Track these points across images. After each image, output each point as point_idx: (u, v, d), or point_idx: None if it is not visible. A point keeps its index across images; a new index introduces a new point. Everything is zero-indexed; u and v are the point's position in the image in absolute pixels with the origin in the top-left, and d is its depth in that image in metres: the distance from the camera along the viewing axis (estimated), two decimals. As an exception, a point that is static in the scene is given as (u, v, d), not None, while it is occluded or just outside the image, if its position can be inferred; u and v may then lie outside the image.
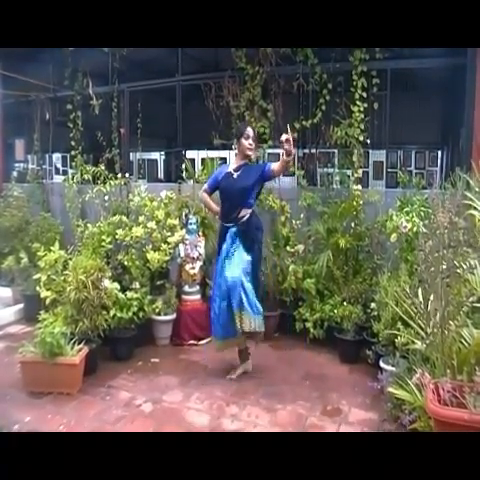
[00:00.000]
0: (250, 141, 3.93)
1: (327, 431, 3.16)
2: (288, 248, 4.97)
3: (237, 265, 3.81)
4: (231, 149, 6.84)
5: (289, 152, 3.58)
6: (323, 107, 5.28)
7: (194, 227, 4.92)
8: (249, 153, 3.98)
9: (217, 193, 4.13)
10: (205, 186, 4.20)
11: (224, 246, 3.93)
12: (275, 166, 3.86)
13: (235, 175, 3.96)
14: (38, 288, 4.28)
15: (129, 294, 4.50)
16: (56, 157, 9.03)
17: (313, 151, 5.66)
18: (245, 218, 3.90)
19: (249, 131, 3.95)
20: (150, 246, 4.79)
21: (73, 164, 7.05)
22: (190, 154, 9.30)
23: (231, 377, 3.98)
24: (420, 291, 2.98)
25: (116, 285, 4.40)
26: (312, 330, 4.64)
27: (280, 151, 6.66)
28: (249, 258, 3.87)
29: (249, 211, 3.93)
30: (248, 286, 3.79)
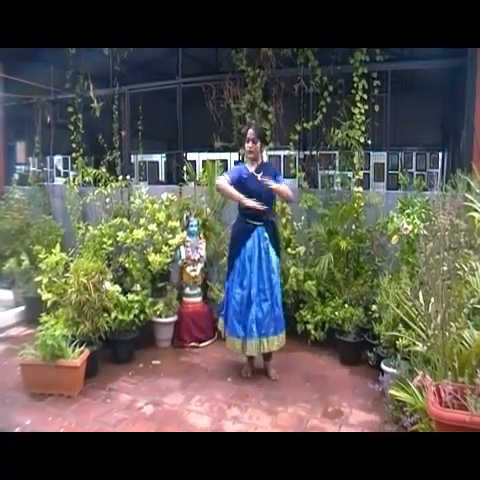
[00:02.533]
0: (249, 144, 3.92)
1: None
2: (289, 250, 4.97)
3: (272, 270, 3.95)
4: (231, 151, 6.89)
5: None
6: (324, 109, 5.28)
7: (195, 229, 4.92)
8: (249, 156, 3.99)
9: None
10: (226, 177, 3.96)
11: (248, 244, 3.92)
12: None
13: (259, 177, 3.92)
14: (39, 290, 4.28)
15: (130, 296, 4.50)
16: (57, 159, 9.06)
17: (314, 153, 5.65)
18: (271, 218, 4.03)
19: (248, 133, 3.95)
20: (151, 248, 4.79)
21: (74, 166, 7.06)
22: (191, 156, 9.32)
23: (275, 378, 4.03)
24: (421, 293, 2.97)
25: (117, 287, 4.40)
26: (313, 332, 4.63)
27: (280, 153, 6.70)
28: (278, 265, 4.06)
29: (273, 211, 4.04)
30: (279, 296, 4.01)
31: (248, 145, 3.93)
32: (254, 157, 4.00)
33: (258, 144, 3.95)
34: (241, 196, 3.84)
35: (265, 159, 4.32)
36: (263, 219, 3.93)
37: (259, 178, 3.90)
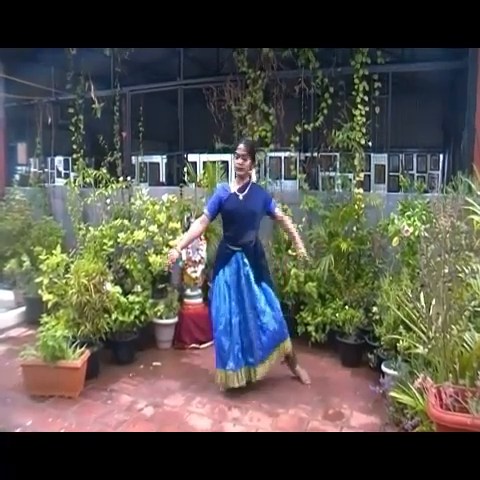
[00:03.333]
0: (239, 160, 3.71)
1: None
2: (290, 252, 4.96)
3: (256, 298, 3.76)
4: (232, 152, 6.88)
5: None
6: (325, 111, 5.28)
7: (196, 230, 4.91)
8: (238, 173, 3.78)
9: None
10: (205, 212, 3.86)
11: (226, 269, 3.75)
12: (279, 214, 3.99)
13: (241, 196, 3.73)
14: (40, 291, 4.29)
15: (131, 297, 4.50)
16: (58, 160, 9.06)
17: (315, 155, 5.66)
18: (252, 243, 3.76)
19: (238, 148, 3.72)
20: (152, 249, 4.79)
21: (75, 167, 7.07)
22: (192, 157, 9.30)
23: (308, 382, 3.97)
24: (422, 295, 2.97)
25: (118, 288, 4.40)
26: (314, 334, 4.63)
27: (281, 154, 6.67)
28: (267, 287, 3.84)
29: (255, 234, 3.78)
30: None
31: (237, 161, 3.72)
32: (243, 174, 3.77)
33: (248, 161, 3.73)
34: (178, 245, 3.84)
35: (254, 178, 4.01)
36: (241, 243, 3.72)
37: (240, 198, 3.72)
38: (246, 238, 3.73)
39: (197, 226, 3.92)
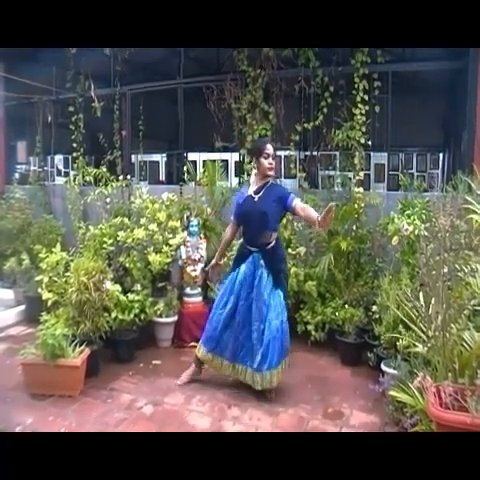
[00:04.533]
0: (270, 160, 3.64)
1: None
2: (290, 250, 4.96)
3: (265, 302, 3.61)
4: (232, 151, 6.89)
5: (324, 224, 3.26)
6: (325, 110, 5.29)
7: (195, 229, 4.92)
8: (270, 173, 3.69)
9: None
10: (231, 219, 3.92)
11: (243, 267, 3.71)
12: (300, 207, 3.53)
13: (256, 198, 3.68)
14: (40, 290, 4.29)
15: (130, 296, 4.51)
16: (58, 159, 9.05)
17: (314, 153, 5.66)
18: (271, 245, 3.66)
19: (269, 149, 3.64)
20: (152, 248, 4.79)
21: (75, 166, 7.07)
22: (192, 156, 9.31)
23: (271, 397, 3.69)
24: (421, 294, 2.98)
25: (118, 287, 4.40)
26: (313, 333, 4.64)
27: (281, 153, 6.65)
28: (280, 295, 3.66)
29: (274, 236, 3.68)
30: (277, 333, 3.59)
31: (268, 161, 3.64)
32: (274, 174, 3.78)
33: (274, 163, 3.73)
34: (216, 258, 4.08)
35: (252, 179, 3.87)
36: (258, 244, 3.67)
37: (255, 199, 3.67)
38: (262, 239, 3.65)
39: (228, 232, 4.00)
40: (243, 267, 3.71)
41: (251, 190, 3.75)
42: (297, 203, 3.58)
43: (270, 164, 3.65)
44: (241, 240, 3.95)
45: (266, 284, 3.64)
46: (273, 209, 3.63)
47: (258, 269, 3.66)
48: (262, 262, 3.66)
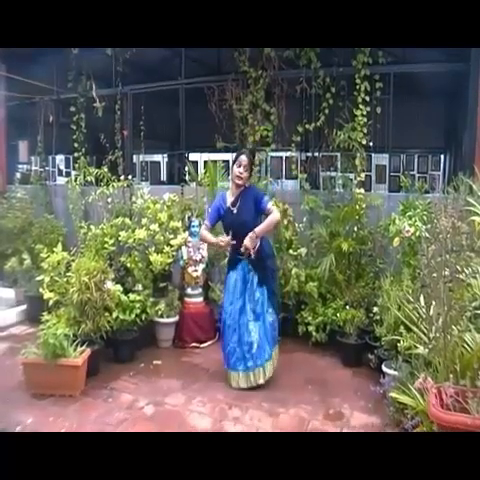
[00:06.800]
0: (241, 170, 3.81)
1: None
2: (291, 251, 4.97)
3: (257, 302, 3.89)
4: (233, 152, 6.88)
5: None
6: (326, 111, 5.29)
7: (197, 230, 4.92)
8: (237, 181, 3.85)
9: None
10: (206, 222, 4.07)
11: (233, 274, 3.94)
12: (269, 210, 3.83)
13: (234, 210, 3.87)
14: (41, 289, 4.30)
15: (132, 296, 4.51)
16: (59, 159, 9.05)
17: (316, 154, 5.66)
18: (256, 248, 3.79)
19: (242, 159, 3.81)
20: (153, 248, 4.80)
21: (76, 166, 7.07)
22: (193, 157, 9.30)
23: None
24: (422, 296, 2.98)
25: (119, 287, 4.41)
26: (314, 334, 4.64)
27: (282, 154, 6.67)
28: (262, 294, 3.91)
29: (258, 240, 3.80)
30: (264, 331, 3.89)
31: (238, 169, 3.81)
32: (242, 184, 3.87)
33: (247, 173, 3.85)
34: (217, 240, 3.90)
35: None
36: (244, 255, 3.81)
37: (234, 212, 3.85)
38: (245, 251, 3.79)
39: (204, 234, 4.05)
40: (234, 274, 3.94)
41: (229, 201, 3.92)
42: (270, 207, 3.88)
43: (240, 173, 3.82)
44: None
45: (256, 284, 3.91)
46: (251, 215, 3.87)
47: (248, 274, 3.91)
48: (250, 266, 3.90)
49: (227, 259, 4.18)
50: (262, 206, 3.86)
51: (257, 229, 3.75)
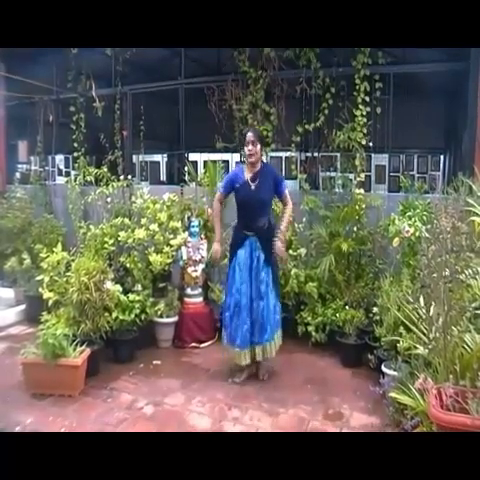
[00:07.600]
0: (250, 147, 3.84)
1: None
2: (290, 252, 4.97)
3: (262, 281, 3.92)
4: (233, 152, 6.89)
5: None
6: (326, 111, 5.29)
7: (196, 230, 4.93)
8: (250, 160, 3.89)
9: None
10: (220, 190, 4.12)
11: (241, 252, 3.92)
12: (285, 200, 4.00)
13: (253, 186, 3.87)
14: (40, 289, 4.29)
15: (131, 296, 4.51)
16: (59, 159, 9.04)
17: (315, 155, 5.66)
18: (265, 226, 3.88)
19: (248, 136, 3.87)
20: (152, 248, 4.79)
21: (76, 166, 7.06)
22: (192, 157, 9.30)
23: (264, 378, 4.05)
24: (422, 296, 2.98)
25: (118, 287, 4.41)
26: (314, 334, 4.64)
27: (282, 154, 6.67)
28: (267, 274, 3.94)
29: (267, 219, 3.92)
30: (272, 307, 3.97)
31: (248, 148, 3.85)
32: (255, 160, 3.90)
33: (258, 147, 3.87)
34: (216, 238, 4.12)
35: (264, 160, 4.21)
36: (255, 229, 3.88)
37: (253, 188, 3.87)
38: (258, 223, 3.89)
39: (217, 205, 4.14)
40: (241, 252, 3.92)
41: (247, 176, 3.92)
42: (287, 195, 4.01)
43: (250, 150, 3.85)
44: (234, 224, 4.10)
45: (263, 264, 3.91)
46: (270, 195, 3.94)
47: (255, 251, 3.91)
48: (258, 244, 3.91)
49: (232, 238, 4.13)
50: (280, 189, 3.95)
51: (282, 229, 3.94)
